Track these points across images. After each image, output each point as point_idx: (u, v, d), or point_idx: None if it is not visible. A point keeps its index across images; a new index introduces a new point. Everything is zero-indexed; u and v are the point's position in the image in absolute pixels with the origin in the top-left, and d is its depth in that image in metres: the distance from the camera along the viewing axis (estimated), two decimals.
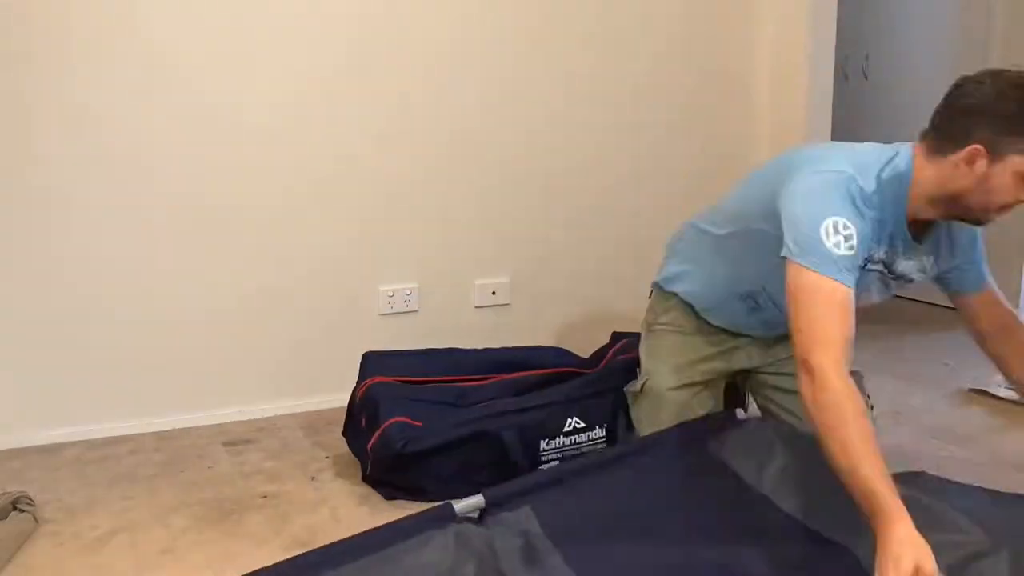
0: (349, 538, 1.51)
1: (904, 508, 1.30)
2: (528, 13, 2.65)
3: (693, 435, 1.78)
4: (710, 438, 1.76)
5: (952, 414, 2.39)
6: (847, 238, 1.47)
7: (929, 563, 1.26)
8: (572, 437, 2.01)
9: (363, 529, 1.77)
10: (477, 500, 1.57)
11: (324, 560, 1.41)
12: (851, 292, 1.47)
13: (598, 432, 2.04)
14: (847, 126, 4.11)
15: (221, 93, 2.33)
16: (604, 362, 2.26)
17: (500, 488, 1.62)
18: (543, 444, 1.97)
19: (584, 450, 2.02)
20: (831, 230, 1.47)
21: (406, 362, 2.15)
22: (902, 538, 1.26)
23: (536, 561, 1.44)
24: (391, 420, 1.92)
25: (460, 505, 1.55)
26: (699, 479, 1.68)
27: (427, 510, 1.57)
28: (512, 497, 1.59)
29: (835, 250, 1.46)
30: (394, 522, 1.55)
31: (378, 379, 2.04)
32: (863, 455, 1.33)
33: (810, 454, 1.51)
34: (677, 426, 1.83)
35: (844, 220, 1.48)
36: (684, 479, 1.67)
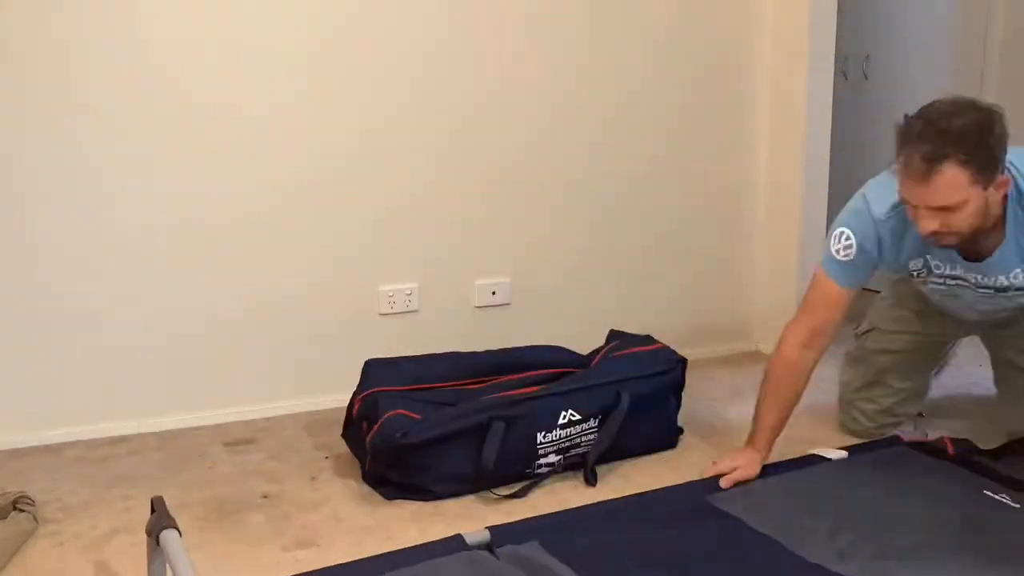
0: (351, 562, 1.56)
1: (761, 443, 1.94)
2: (526, 16, 2.65)
3: (688, 491, 1.89)
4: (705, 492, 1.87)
5: (952, 413, 2.40)
6: (846, 247, 1.86)
7: (745, 472, 1.90)
8: (567, 430, 2.02)
9: (363, 529, 1.79)
10: (483, 535, 1.63)
11: None
12: (839, 289, 1.90)
13: (592, 424, 2.05)
14: (847, 126, 4.11)
15: (219, 94, 2.33)
16: (598, 358, 2.27)
17: (505, 525, 1.68)
18: (540, 437, 1.98)
19: (578, 441, 2.04)
20: (834, 239, 1.89)
21: (406, 369, 2.16)
22: (739, 452, 1.97)
23: None
24: (390, 413, 1.93)
25: (470, 538, 1.61)
26: (697, 521, 1.74)
27: (435, 541, 1.62)
28: (518, 533, 1.64)
29: (835, 255, 1.88)
30: (401, 550, 1.60)
31: (379, 390, 2.04)
32: (764, 405, 1.96)
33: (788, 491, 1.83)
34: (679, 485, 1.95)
35: (847, 231, 1.87)
36: (680, 521, 1.74)
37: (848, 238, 1.86)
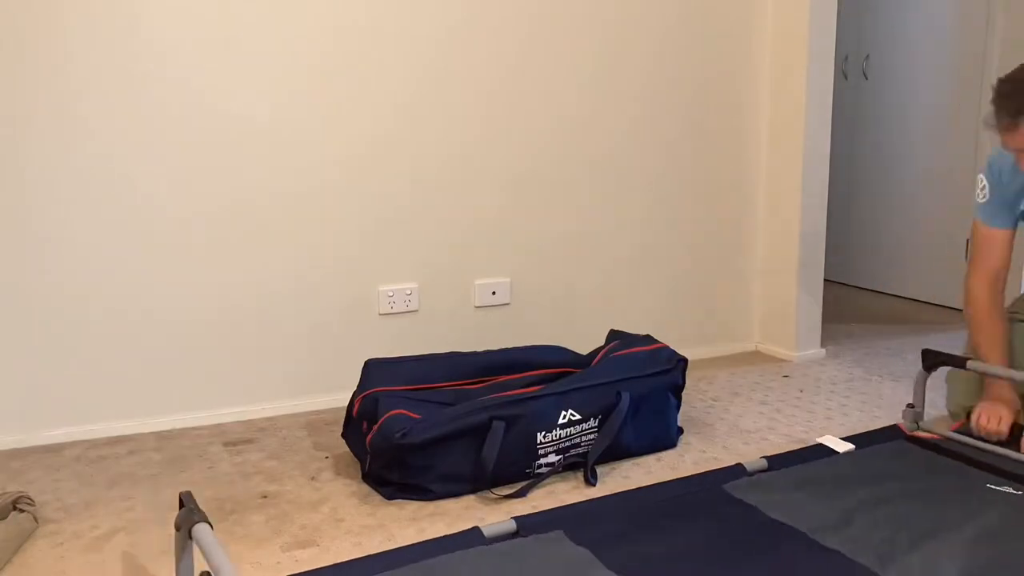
0: (352, 561, 1.57)
1: (1004, 384, 2.13)
2: (527, 17, 2.65)
3: (706, 480, 1.93)
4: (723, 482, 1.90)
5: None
6: (982, 190, 2.18)
7: (1004, 421, 2.06)
8: (567, 429, 2.02)
9: (363, 529, 1.79)
10: (509, 524, 1.66)
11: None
12: (991, 230, 2.18)
13: (591, 424, 2.05)
14: (847, 126, 4.12)
15: (221, 95, 2.33)
16: (598, 358, 2.27)
17: (530, 515, 1.72)
18: (540, 436, 1.98)
19: (578, 441, 2.04)
20: (976, 188, 2.21)
21: (406, 369, 2.16)
22: (991, 402, 2.11)
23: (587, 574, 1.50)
24: (390, 412, 1.94)
25: (489, 530, 1.64)
26: (716, 509, 1.78)
27: (455, 533, 1.64)
28: (543, 522, 1.68)
29: (977, 199, 2.20)
30: (418, 543, 1.61)
31: (379, 389, 2.05)
32: (987, 351, 2.14)
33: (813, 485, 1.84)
34: (696, 475, 1.97)
35: (982, 176, 2.20)
36: (699, 509, 1.77)
37: (981, 180, 2.19)
